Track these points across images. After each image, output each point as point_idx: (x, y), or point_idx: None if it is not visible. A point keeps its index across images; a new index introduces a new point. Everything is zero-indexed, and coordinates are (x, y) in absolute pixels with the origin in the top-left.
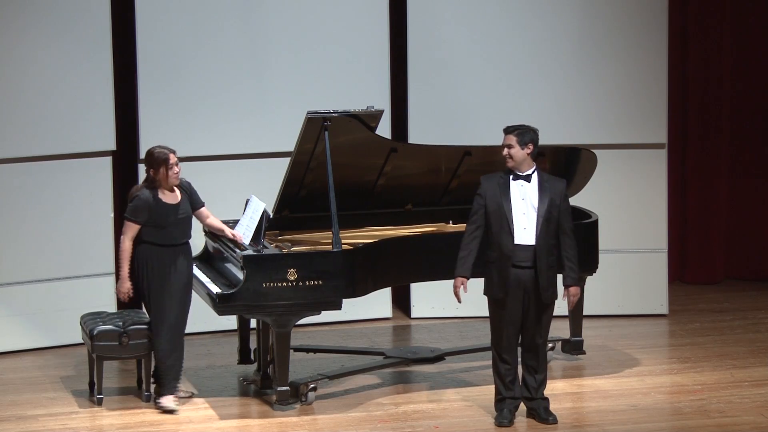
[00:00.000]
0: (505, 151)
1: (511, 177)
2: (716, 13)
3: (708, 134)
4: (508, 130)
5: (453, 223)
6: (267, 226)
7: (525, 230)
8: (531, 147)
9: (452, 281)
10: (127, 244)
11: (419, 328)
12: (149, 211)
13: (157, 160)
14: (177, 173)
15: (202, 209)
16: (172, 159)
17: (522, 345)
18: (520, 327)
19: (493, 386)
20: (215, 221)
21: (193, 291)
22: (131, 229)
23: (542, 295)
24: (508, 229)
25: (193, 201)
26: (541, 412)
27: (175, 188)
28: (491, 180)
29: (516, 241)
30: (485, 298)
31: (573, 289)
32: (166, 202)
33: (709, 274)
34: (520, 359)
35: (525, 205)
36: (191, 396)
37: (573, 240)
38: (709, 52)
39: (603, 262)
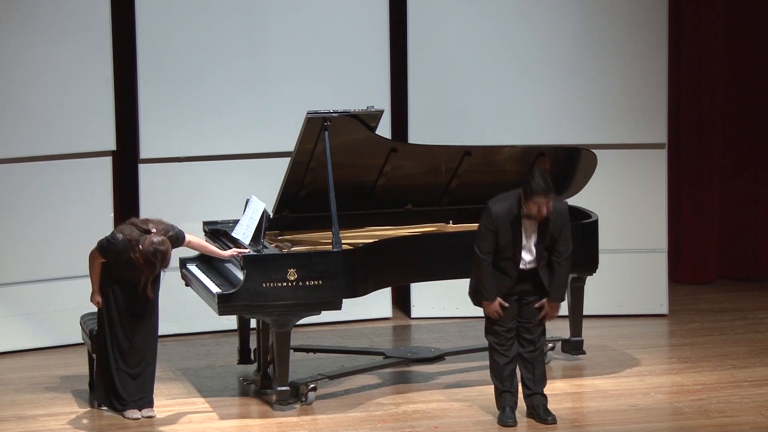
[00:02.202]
0: (545, 210)
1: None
2: (709, 14)
3: (701, 135)
4: (549, 190)
5: (453, 223)
6: (267, 226)
7: (528, 260)
8: None
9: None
10: (94, 265)
11: (419, 328)
12: (116, 259)
13: (134, 249)
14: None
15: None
16: (138, 260)
17: (519, 338)
18: (515, 320)
19: (493, 386)
20: (197, 241)
21: (193, 291)
22: (97, 259)
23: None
24: (514, 262)
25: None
26: (540, 411)
27: None
28: (502, 209)
29: (520, 267)
30: None
31: (553, 305)
32: (135, 265)
33: (703, 274)
34: (518, 353)
35: (530, 242)
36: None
37: (568, 265)
38: (702, 53)
39: (603, 262)
